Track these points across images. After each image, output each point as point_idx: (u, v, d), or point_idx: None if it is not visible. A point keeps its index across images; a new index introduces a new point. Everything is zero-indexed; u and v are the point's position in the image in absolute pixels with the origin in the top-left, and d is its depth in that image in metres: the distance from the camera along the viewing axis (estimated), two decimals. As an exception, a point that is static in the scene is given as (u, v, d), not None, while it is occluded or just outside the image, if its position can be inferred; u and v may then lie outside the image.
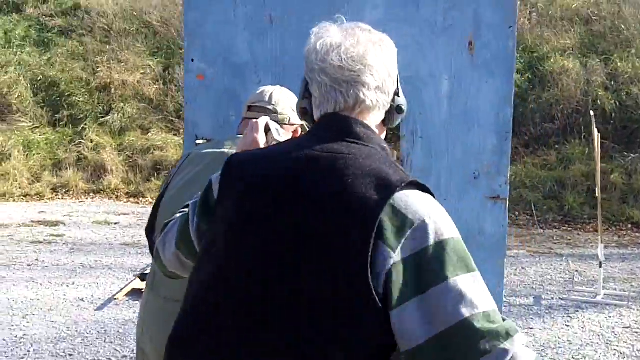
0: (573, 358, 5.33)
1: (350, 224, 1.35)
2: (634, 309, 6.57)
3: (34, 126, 12.74)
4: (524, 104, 12.18)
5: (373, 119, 1.55)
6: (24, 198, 11.19)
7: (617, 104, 11.85)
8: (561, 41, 12.75)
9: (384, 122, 1.59)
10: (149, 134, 12.47)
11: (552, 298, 6.92)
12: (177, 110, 12.44)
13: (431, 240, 1.34)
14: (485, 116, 2.96)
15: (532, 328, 5.99)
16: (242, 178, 1.51)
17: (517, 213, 10.87)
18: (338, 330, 1.34)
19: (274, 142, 2.02)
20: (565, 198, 10.60)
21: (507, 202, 2.98)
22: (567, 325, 6.09)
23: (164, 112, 12.78)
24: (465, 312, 1.31)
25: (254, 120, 2.13)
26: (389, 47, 1.61)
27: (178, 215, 1.75)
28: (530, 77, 12.43)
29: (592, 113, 7.21)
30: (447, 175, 3.00)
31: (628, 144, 11.63)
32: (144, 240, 2.38)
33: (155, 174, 11.75)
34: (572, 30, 12.94)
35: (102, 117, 12.70)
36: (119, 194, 11.56)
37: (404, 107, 1.59)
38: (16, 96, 12.71)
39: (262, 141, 2.06)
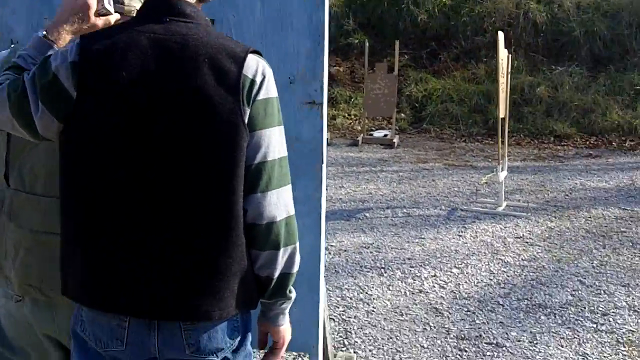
0: (456, 267, 5.41)
1: (223, 97, 1.58)
2: (531, 220, 6.67)
3: None
4: (456, 17, 12.06)
5: None
6: None
7: (549, 16, 11.78)
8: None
9: None
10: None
11: (454, 209, 7.00)
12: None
13: (262, 96, 1.66)
14: (299, 20, 2.88)
15: (422, 238, 6.06)
16: (115, 73, 1.57)
17: (441, 127, 10.91)
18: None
19: (104, 10, 1.83)
20: (490, 111, 10.61)
21: (323, 108, 2.93)
22: (460, 236, 6.17)
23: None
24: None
25: None
26: None
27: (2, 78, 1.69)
28: (463, -11, 12.26)
29: (500, 34, 7.07)
30: (263, 80, 2.93)
31: (558, 56, 11.62)
32: None
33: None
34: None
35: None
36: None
37: None
38: None
39: (93, 6, 1.81)
